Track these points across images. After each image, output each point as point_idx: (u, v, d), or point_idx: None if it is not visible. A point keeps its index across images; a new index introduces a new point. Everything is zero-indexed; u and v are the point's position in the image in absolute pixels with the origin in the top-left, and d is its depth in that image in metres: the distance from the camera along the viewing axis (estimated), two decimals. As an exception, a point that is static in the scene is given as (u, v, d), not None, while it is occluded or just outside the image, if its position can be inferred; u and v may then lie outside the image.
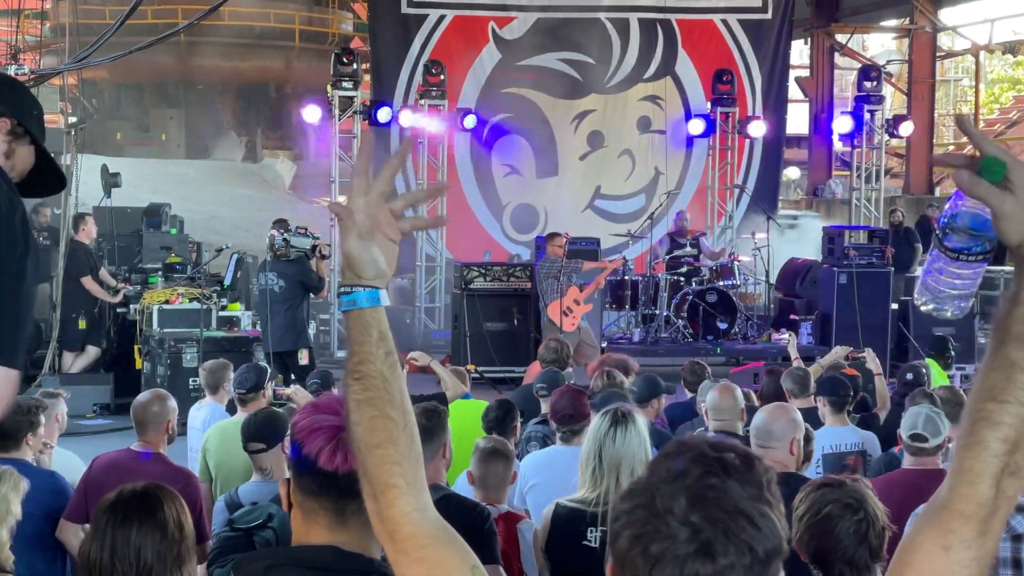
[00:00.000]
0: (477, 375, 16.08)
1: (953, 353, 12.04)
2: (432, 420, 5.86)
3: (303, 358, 13.86)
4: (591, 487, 5.71)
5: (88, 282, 15.32)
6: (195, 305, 14.27)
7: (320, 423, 2.82)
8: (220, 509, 6.27)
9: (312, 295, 14.60)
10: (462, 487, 6.39)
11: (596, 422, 5.84)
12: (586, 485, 5.75)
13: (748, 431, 7.67)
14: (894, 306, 17.67)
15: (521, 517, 6.20)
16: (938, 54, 31.90)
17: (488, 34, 21.89)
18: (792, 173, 36.57)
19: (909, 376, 9.66)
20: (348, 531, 2.82)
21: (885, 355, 16.78)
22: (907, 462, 6.73)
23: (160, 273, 15.66)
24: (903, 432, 6.74)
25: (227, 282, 15.48)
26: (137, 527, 3.80)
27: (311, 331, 16.21)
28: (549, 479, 6.79)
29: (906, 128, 20.93)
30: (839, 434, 8.26)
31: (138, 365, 14.28)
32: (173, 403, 7.12)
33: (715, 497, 2.01)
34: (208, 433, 8.26)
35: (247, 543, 5.95)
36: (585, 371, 10.46)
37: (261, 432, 6.39)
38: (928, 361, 11.44)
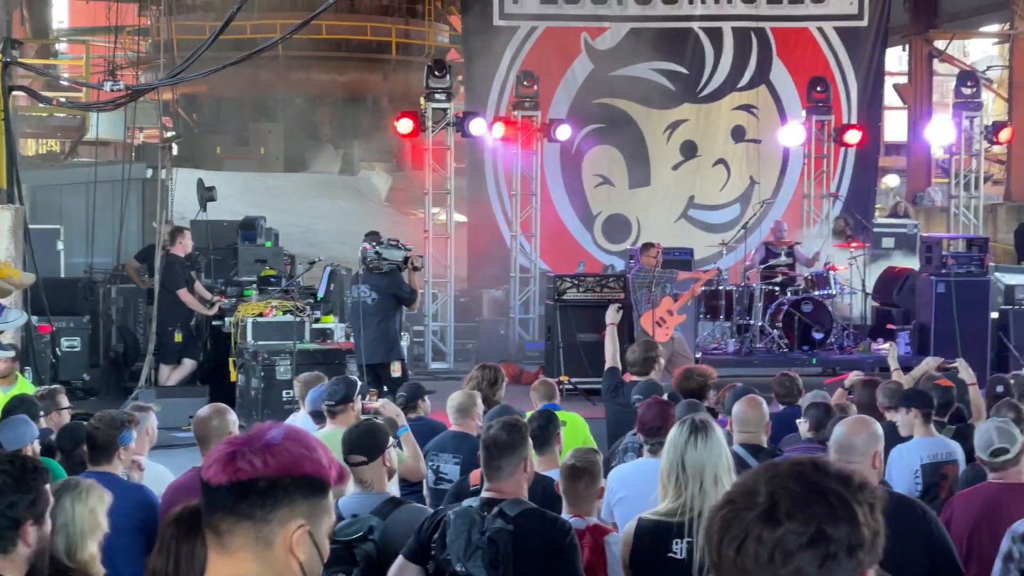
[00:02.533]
0: (570, 386, 16.07)
1: None
2: (513, 434, 5.83)
3: (395, 370, 13.90)
4: (674, 496, 5.67)
5: (184, 295, 15.47)
6: (288, 318, 14.39)
7: (226, 444, 2.60)
8: (320, 522, 6.29)
9: (405, 307, 14.64)
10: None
11: (674, 432, 5.81)
12: (669, 495, 5.71)
13: (773, 446, 7.69)
14: (994, 315, 17.39)
15: (608, 530, 6.18)
16: (1040, 58, 31.37)
17: (580, 44, 21.87)
18: (891, 180, 36.18)
19: (999, 388, 9.52)
20: (234, 558, 2.61)
21: (985, 365, 16.50)
22: (991, 477, 6.63)
23: (255, 286, 15.80)
24: (980, 451, 6.65)
25: (320, 294, 15.58)
26: (202, 541, 3.80)
27: (404, 343, 16.28)
28: (637, 492, 6.74)
29: (1005, 134, 20.59)
30: (934, 444, 8.25)
31: (233, 378, 14.42)
32: (233, 416, 7.18)
33: (798, 472, 2.07)
34: (298, 447, 8.28)
35: (348, 555, 5.98)
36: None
37: (362, 444, 6.35)
38: (1025, 371, 11.27)
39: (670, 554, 5.63)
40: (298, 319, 14.42)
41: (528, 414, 9.40)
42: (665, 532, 5.65)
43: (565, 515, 6.08)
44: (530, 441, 5.94)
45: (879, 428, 6.16)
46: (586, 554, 5.91)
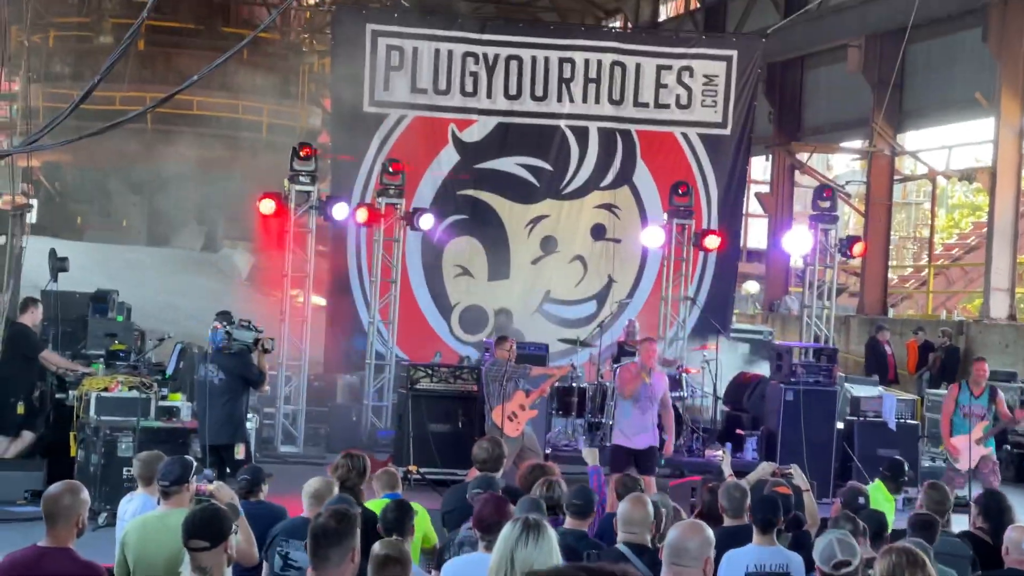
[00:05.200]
0: (419, 476, 15.96)
1: (907, 478, 11.95)
2: (342, 523, 5.77)
3: (239, 452, 13.68)
4: (502, 595, 5.62)
5: (48, 355, 15.28)
6: (134, 394, 14.11)
7: None
8: (157, 608, 6.14)
9: (253, 389, 14.46)
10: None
11: (507, 529, 5.77)
12: (497, 594, 5.66)
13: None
14: (840, 425, 17.66)
15: None
16: (896, 177, 32.25)
17: (448, 136, 21.98)
18: (751, 287, 36.75)
19: (861, 500, 9.60)
20: None
21: (829, 474, 16.75)
22: None
23: (102, 360, 15.50)
24: (821, 563, 6.69)
25: (169, 372, 15.35)
26: None
27: (253, 425, 16.04)
28: (467, 586, 6.69)
29: (858, 249, 20.98)
30: (765, 554, 8.18)
31: (72, 452, 14.08)
32: (86, 495, 6.94)
33: None
34: (127, 527, 8.10)
35: None
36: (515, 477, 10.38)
37: (205, 529, 6.22)
38: (877, 483, 11.38)
39: (498, 654, 5.57)
40: (144, 396, 14.15)
41: (370, 504, 9.33)
42: (490, 632, 5.60)
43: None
44: (358, 531, 5.87)
45: (711, 534, 6.18)
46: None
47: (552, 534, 5.81)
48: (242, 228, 41.92)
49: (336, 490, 8.65)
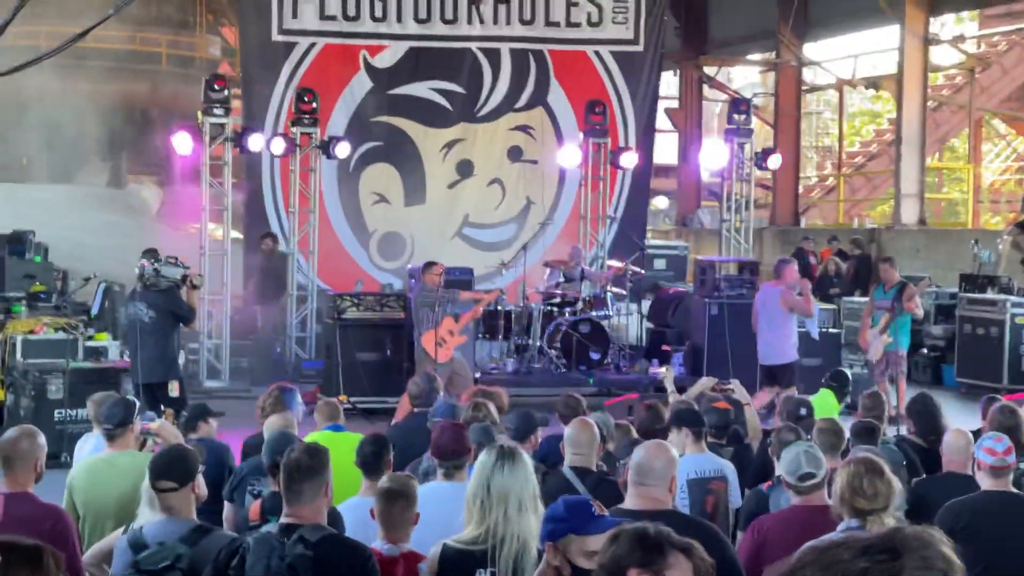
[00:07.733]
0: (349, 406, 15.95)
1: (851, 388, 12.12)
2: (315, 459, 5.76)
3: (173, 390, 13.54)
4: (479, 522, 5.65)
5: None
6: (61, 335, 13.94)
7: None
8: (123, 549, 6.06)
9: (183, 325, 14.32)
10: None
11: (483, 457, 5.80)
12: (473, 521, 5.69)
13: (601, 465, 7.73)
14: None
15: (422, 557, 6.10)
16: (804, 88, 32.48)
17: (359, 62, 21.77)
18: (660, 203, 36.94)
19: (803, 411, 9.68)
20: None
21: (755, 386, 16.95)
22: (795, 500, 6.77)
23: (23, 302, 15.29)
24: (787, 475, 6.78)
25: (94, 311, 15.19)
26: None
27: (180, 361, 15.94)
28: (430, 515, 6.68)
29: (774, 161, 21.16)
30: (700, 461, 8.35)
31: (0, 397, 13.89)
32: (42, 440, 6.88)
33: None
34: (74, 471, 8.02)
35: None
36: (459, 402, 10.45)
37: (172, 470, 6.17)
38: (824, 392, 11.53)
39: (474, 584, 5.61)
40: (71, 337, 13.99)
41: (311, 436, 9.30)
42: (468, 560, 5.62)
43: (380, 541, 6.02)
44: (331, 466, 5.86)
45: (675, 453, 6.25)
46: (398, 582, 5.86)
47: (527, 460, 5.84)
48: (147, 162, 41.36)
49: (296, 424, 8.60)
